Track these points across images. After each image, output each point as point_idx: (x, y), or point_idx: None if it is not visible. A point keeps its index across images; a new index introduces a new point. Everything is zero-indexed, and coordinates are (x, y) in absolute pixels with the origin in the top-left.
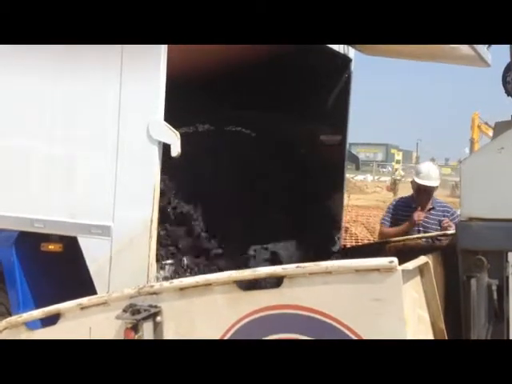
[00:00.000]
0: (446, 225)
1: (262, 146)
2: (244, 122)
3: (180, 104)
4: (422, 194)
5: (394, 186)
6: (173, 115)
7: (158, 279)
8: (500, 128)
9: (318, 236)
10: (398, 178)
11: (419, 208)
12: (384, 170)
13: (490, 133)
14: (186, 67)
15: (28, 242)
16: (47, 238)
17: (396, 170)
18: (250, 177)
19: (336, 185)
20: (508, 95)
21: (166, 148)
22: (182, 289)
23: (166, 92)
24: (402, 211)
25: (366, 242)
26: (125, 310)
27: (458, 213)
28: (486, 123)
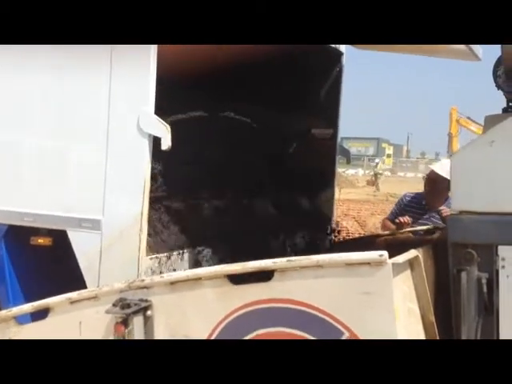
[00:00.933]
0: (444, 213)
1: (251, 139)
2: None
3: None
4: (430, 185)
5: (375, 180)
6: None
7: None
8: (490, 121)
9: (308, 229)
10: (380, 171)
11: (428, 207)
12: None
13: (472, 127)
14: (177, 63)
15: (17, 235)
16: (37, 231)
17: (377, 164)
18: (240, 168)
19: (327, 178)
20: (498, 89)
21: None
22: (172, 283)
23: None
24: (410, 207)
25: (356, 235)
26: (115, 305)
27: None
28: (469, 117)
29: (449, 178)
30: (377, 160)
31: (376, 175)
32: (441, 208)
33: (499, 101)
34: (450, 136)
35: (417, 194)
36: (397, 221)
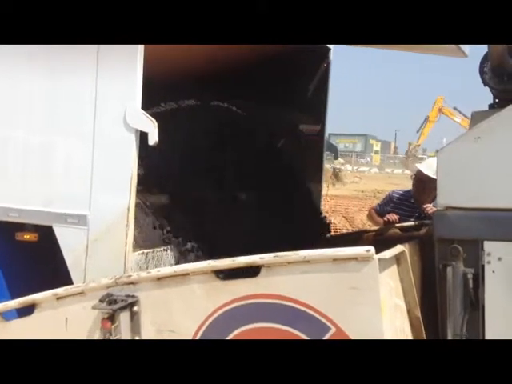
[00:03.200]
0: (430, 211)
1: (239, 135)
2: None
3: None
4: (418, 184)
5: (334, 176)
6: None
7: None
8: (477, 118)
9: (296, 225)
10: (338, 166)
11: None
12: (363, 160)
13: (456, 118)
14: (174, 59)
15: (2, 231)
16: (22, 227)
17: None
18: (227, 163)
19: (315, 174)
20: (485, 85)
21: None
22: (159, 278)
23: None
24: (398, 205)
25: (344, 231)
26: (101, 300)
27: None
28: (455, 108)
29: (430, 175)
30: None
31: (335, 170)
32: (425, 206)
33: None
34: (427, 119)
35: (405, 191)
36: (385, 219)
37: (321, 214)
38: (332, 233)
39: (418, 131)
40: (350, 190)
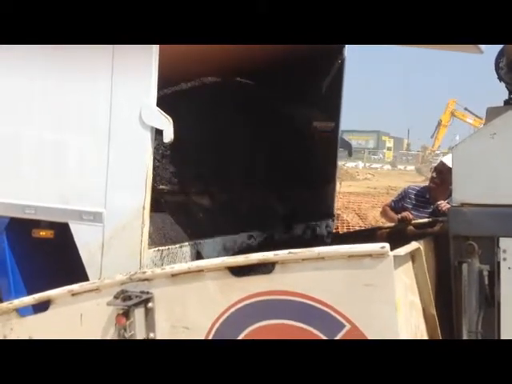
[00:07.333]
0: (444, 207)
1: (253, 132)
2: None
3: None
4: (437, 176)
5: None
6: None
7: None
8: (492, 113)
9: (309, 222)
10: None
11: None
12: (375, 157)
13: (468, 119)
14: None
15: (19, 228)
16: (38, 224)
17: None
18: (241, 160)
19: (328, 171)
20: (500, 81)
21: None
22: (173, 275)
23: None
24: (414, 200)
25: (357, 228)
26: (116, 297)
27: None
28: (466, 109)
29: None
30: None
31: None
32: (439, 202)
33: (502, 93)
34: (440, 123)
35: (421, 187)
36: (399, 217)
37: (333, 212)
38: (345, 230)
39: (432, 136)
40: (362, 187)
